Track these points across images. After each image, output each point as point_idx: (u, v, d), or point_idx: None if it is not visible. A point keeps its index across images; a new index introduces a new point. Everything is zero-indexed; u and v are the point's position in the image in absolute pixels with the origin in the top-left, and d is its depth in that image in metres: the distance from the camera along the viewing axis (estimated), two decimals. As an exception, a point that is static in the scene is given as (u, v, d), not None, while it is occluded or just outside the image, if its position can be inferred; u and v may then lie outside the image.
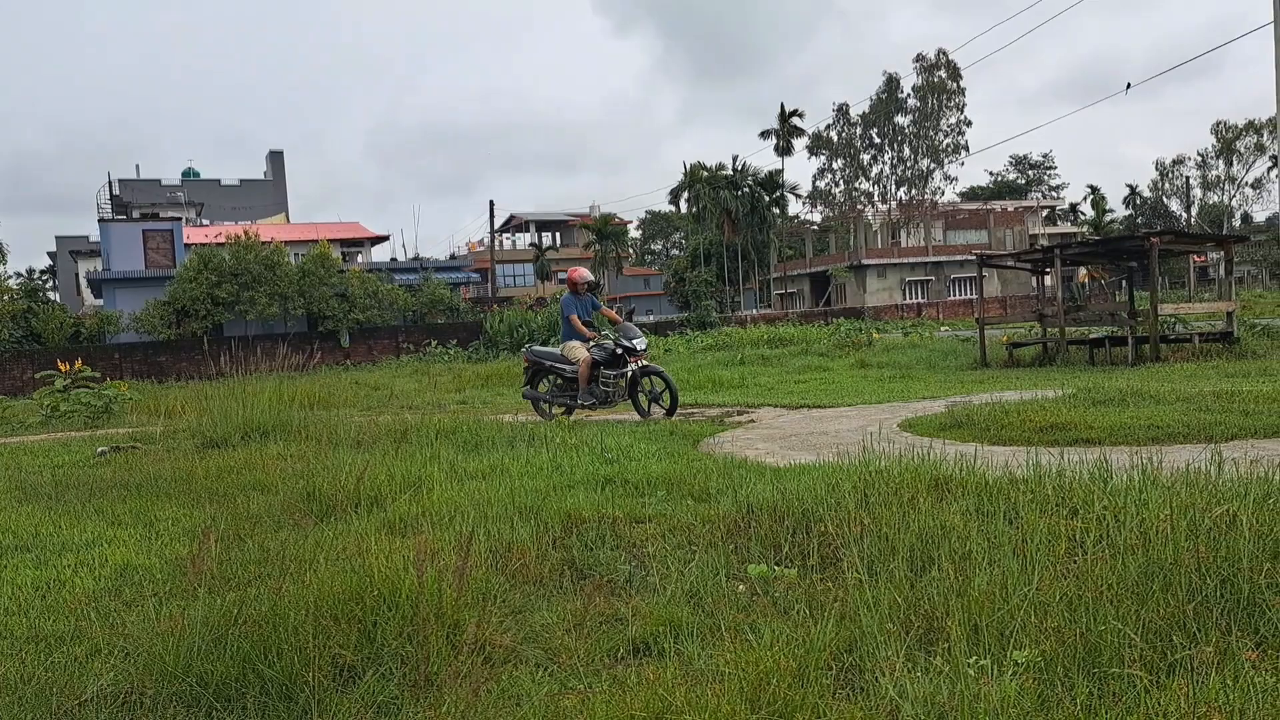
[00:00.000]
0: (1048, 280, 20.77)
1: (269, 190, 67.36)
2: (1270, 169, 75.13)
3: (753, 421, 10.09)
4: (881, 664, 2.66)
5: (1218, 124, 79.91)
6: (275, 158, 69.36)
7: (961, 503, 4.22)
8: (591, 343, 11.32)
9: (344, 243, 55.38)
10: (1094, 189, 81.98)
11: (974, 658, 2.64)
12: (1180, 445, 6.50)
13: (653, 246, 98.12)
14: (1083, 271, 48.75)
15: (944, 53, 61.69)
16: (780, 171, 64.73)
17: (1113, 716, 2.18)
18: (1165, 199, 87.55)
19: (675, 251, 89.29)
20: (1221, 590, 2.88)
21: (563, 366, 11.41)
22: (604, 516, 4.67)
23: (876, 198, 64.79)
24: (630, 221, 78.20)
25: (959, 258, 60.75)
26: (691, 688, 2.60)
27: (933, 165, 62.89)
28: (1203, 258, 60.83)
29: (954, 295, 62.54)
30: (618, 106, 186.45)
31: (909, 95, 62.93)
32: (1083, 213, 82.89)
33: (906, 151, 63.19)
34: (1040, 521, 3.71)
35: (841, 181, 64.86)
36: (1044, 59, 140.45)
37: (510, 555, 4.09)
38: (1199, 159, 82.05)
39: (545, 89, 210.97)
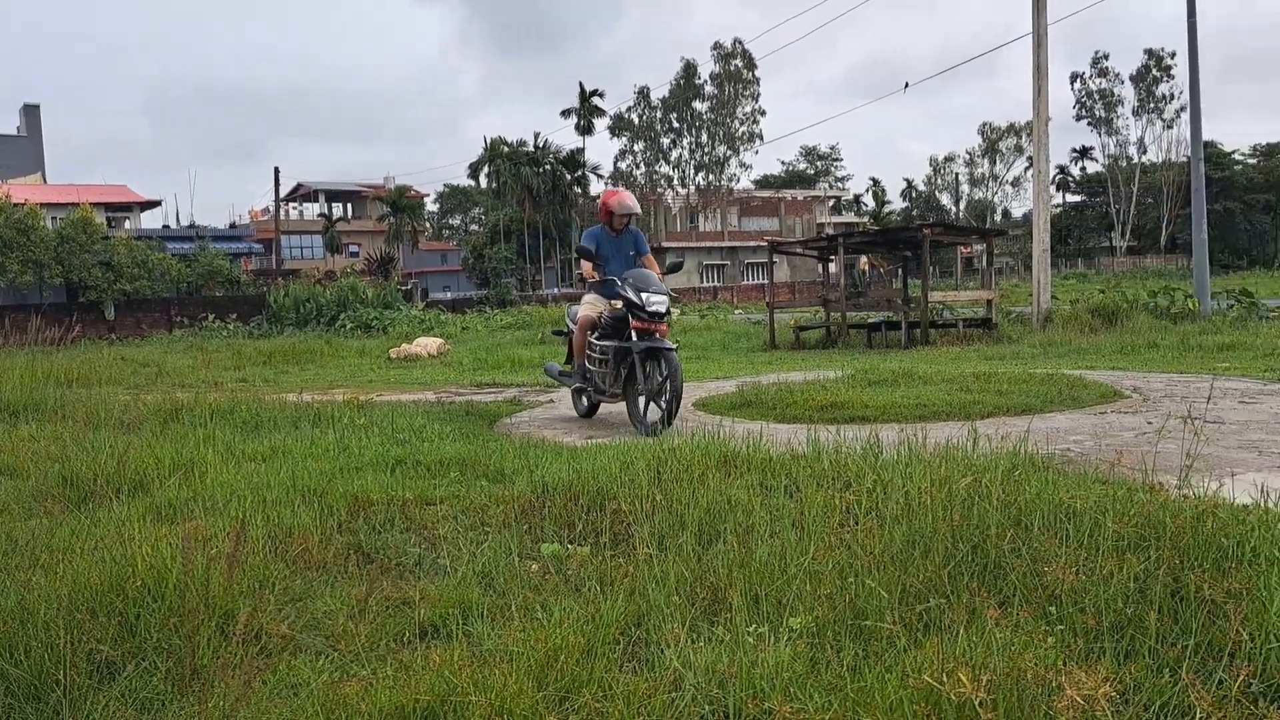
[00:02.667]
0: (832, 267, 21.92)
1: (23, 147, 60.96)
2: (1027, 169, 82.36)
3: (551, 402, 10.10)
4: (667, 636, 2.73)
5: (984, 125, 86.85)
6: (30, 111, 62.88)
7: (747, 478, 4.39)
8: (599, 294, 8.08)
9: (110, 207, 51.10)
10: (875, 181, 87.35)
11: (754, 626, 2.75)
12: (943, 422, 7.01)
13: (451, 221, 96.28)
14: (864, 260, 51.83)
15: (740, 42, 63.74)
16: (582, 150, 65.03)
17: (875, 673, 2.33)
18: (938, 193, 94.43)
19: (475, 227, 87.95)
20: (973, 555, 3.13)
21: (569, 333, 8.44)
22: (393, 499, 4.55)
23: (676, 182, 66.27)
24: (427, 195, 76.36)
25: (753, 243, 63.19)
26: (479, 669, 2.57)
27: (729, 152, 64.96)
28: (969, 249, 66.04)
29: (748, 280, 64.97)
30: (418, 76, 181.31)
31: (706, 82, 64.62)
32: (865, 204, 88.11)
33: (705, 137, 64.96)
34: (818, 495, 3.90)
35: (643, 164, 65.92)
36: (836, 54, 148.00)
37: (291, 540, 3.90)
38: (968, 157, 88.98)
39: (342, 53, 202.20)
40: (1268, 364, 10.13)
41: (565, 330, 8.48)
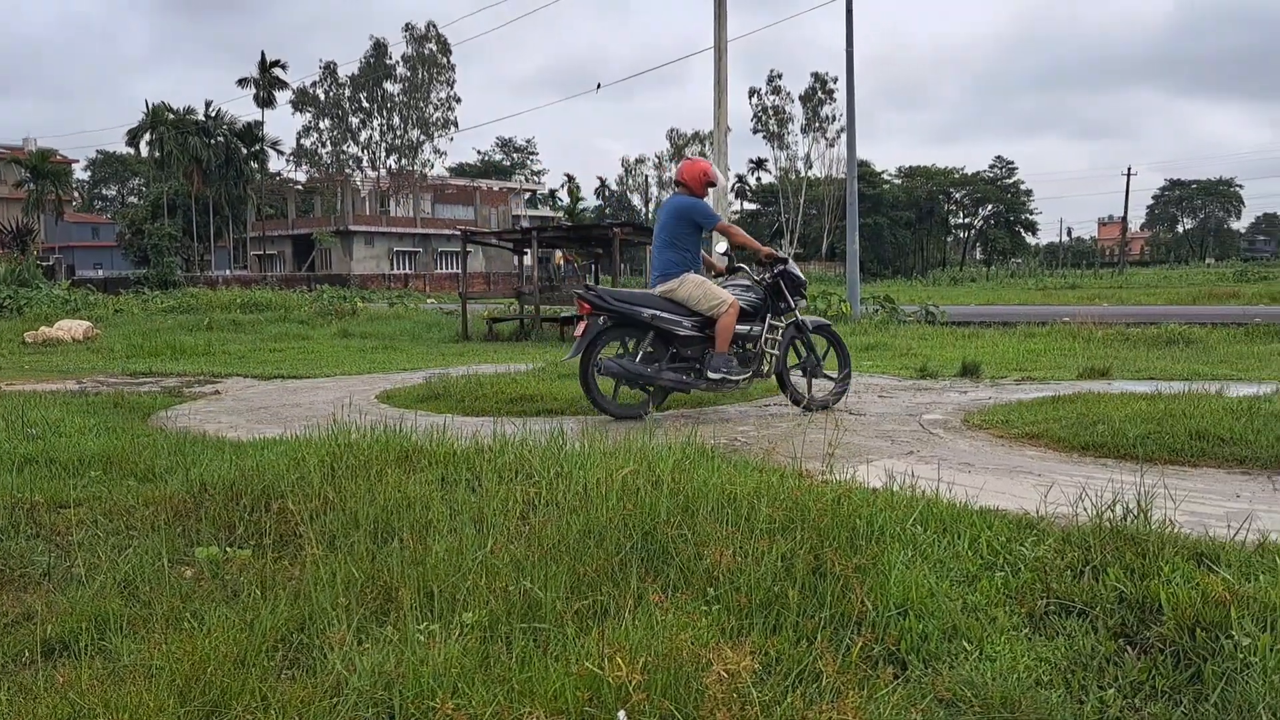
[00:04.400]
0: (527, 260, 22.12)
1: None
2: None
3: (217, 393, 9.38)
4: (332, 640, 2.60)
5: (671, 131, 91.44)
6: None
7: (429, 473, 4.30)
8: (726, 279, 7.52)
9: None
10: (570, 178, 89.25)
11: (425, 624, 2.69)
12: (625, 414, 7.27)
13: (105, 192, 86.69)
14: (559, 254, 52.81)
15: (434, 25, 62.55)
16: (261, 124, 60.93)
17: (543, 663, 2.36)
18: (630, 193, 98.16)
19: (134, 200, 79.72)
20: (644, 542, 3.26)
21: (674, 319, 7.16)
22: (19, 502, 4.00)
23: (366, 163, 63.92)
24: (77, 161, 68.24)
25: (447, 232, 62.34)
26: (112, 687, 2.32)
27: (423, 137, 63.62)
28: (655, 249, 69.00)
29: (441, 268, 64.03)
30: (69, 25, 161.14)
31: (399, 64, 62.87)
32: (561, 199, 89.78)
33: (397, 120, 63.14)
34: (499, 488, 3.90)
35: (329, 143, 62.93)
36: (535, 49, 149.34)
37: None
38: (657, 160, 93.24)
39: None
40: (904, 362, 11.44)
41: (589, 315, 7.16)
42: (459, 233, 20.63)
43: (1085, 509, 3.60)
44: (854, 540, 3.30)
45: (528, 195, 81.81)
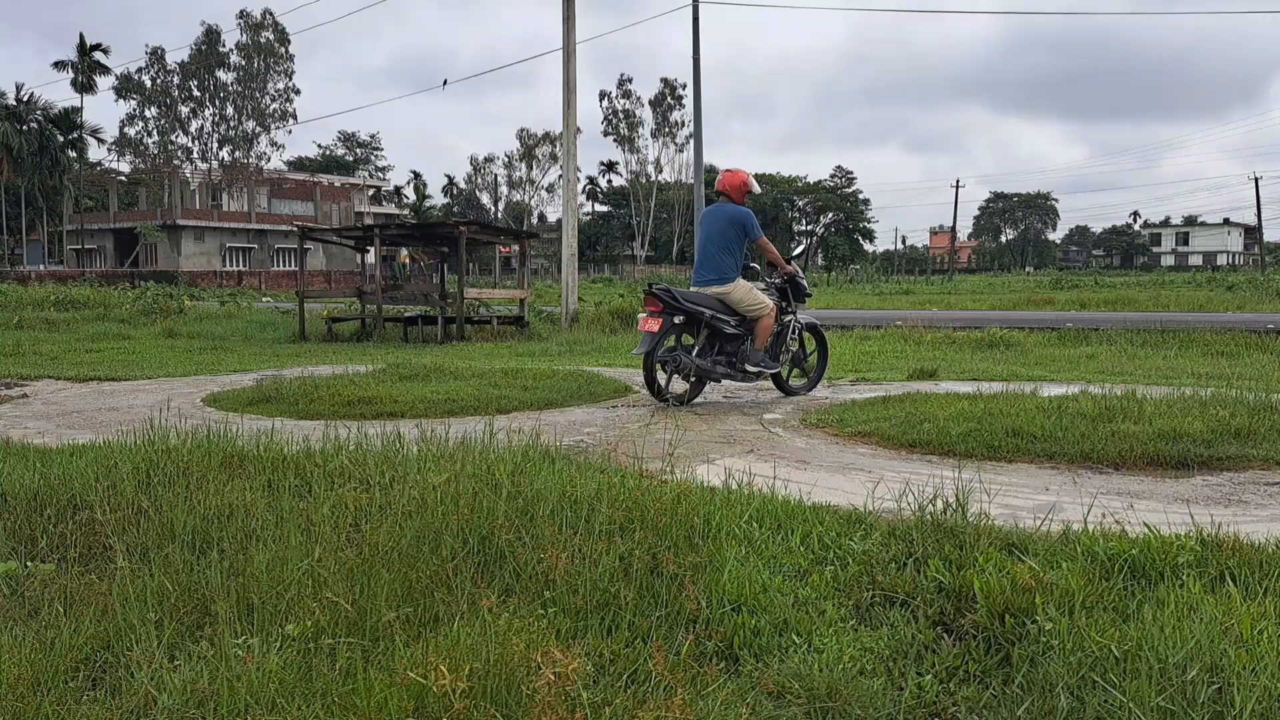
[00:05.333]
0: (370, 258, 21.50)
1: None
2: (560, 177, 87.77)
3: (25, 396, 8.70)
4: (140, 657, 2.44)
5: (521, 131, 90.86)
6: None
7: (254, 480, 4.10)
8: (761, 283, 8.38)
9: None
10: (416, 175, 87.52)
11: (244, 638, 2.56)
12: (471, 417, 7.17)
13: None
14: (404, 252, 51.58)
15: (270, 14, 60.08)
16: (79, 110, 57.03)
17: (367, 675, 2.28)
18: (478, 192, 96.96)
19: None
20: (481, 546, 3.20)
21: (725, 319, 7.94)
22: None
23: (196, 155, 60.72)
24: None
25: (284, 228, 59.92)
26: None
27: (258, 129, 60.96)
28: (507, 249, 68.61)
29: (278, 266, 61.53)
30: None
31: (233, 51, 60.05)
32: (406, 196, 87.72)
33: (230, 110, 60.27)
34: (330, 494, 3.76)
35: (156, 132, 59.48)
36: (380, 42, 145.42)
37: None
38: (507, 160, 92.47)
39: None
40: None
41: (656, 312, 7.88)
42: (296, 229, 19.86)
43: (909, 504, 3.76)
44: (691, 539, 3.34)
45: (372, 192, 79.63)
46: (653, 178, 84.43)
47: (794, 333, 8.44)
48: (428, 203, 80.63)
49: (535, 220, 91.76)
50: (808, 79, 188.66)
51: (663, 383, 8.02)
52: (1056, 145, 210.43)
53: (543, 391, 8.52)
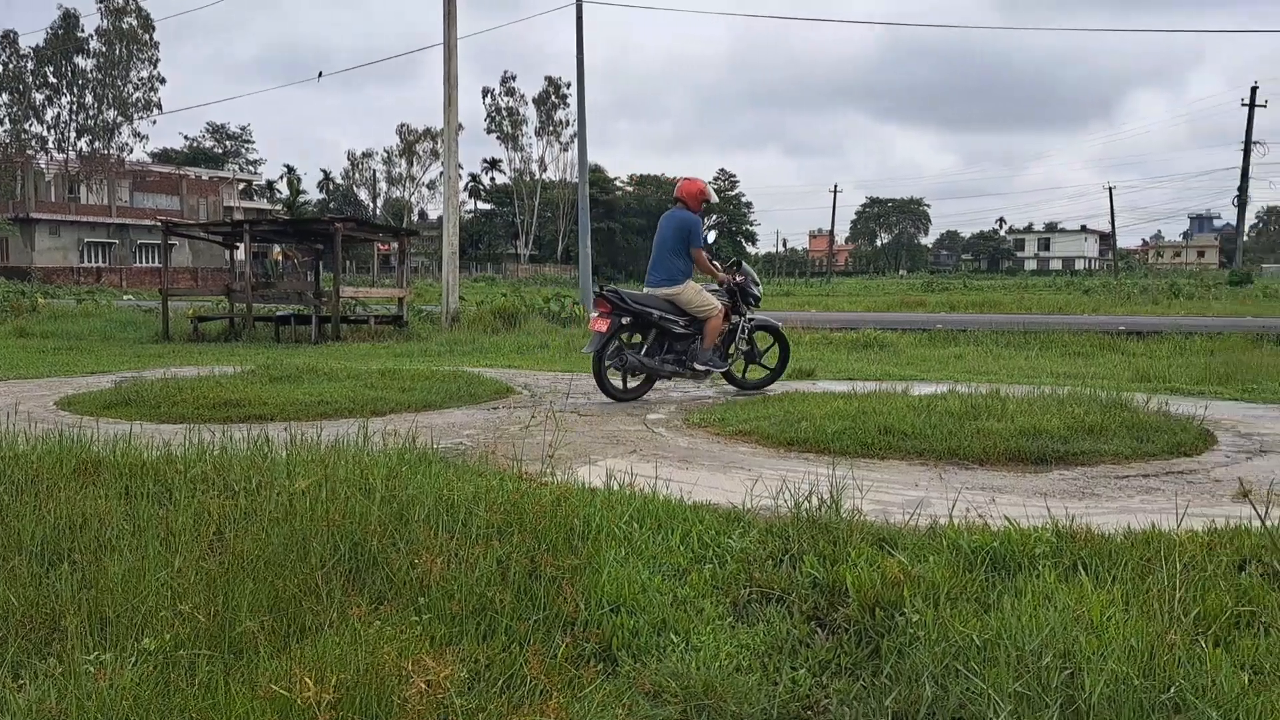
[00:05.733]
0: (239, 255, 20.70)
1: None
2: (442, 173, 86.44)
3: None
4: (-23, 681, 2.28)
5: (402, 126, 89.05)
6: None
7: (110, 487, 3.89)
8: (707, 285, 8.67)
9: None
10: (290, 169, 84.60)
11: (96, 653, 2.42)
12: (345, 419, 6.97)
13: None
14: (277, 249, 49.91)
15: (133, -1, 57.28)
16: (-80, 94, 53.24)
17: (228, 689, 2.18)
18: (356, 188, 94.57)
19: None
20: (353, 553, 3.11)
21: (674, 319, 8.35)
22: None
23: (52, 145, 57.35)
24: None
25: (147, 222, 57.12)
26: None
27: (120, 118, 57.99)
28: (386, 247, 67.15)
29: (141, 262, 58.68)
30: None
31: (92, 37, 56.99)
32: (280, 191, 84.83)
33: (90, 99, 57.16)
34: (192, 501, 3.60)
35: (8, 120, 55.97)
36: (252, 32, 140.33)
37: None
38: (386, 155, 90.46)
39: None
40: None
41: (607, 313, 8.26)
42: (160, 224, 18.98)
43: (786, 502, 3.83)
44: (571, 541, 3.32)
45: (243, 186, 76.76)
46: (537, 176, 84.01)
47: (744, 333, 8.76)
48: (303, 198, 78.00)
49: (416, 218, 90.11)
50: (693, 82, 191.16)
51: (611, 380, 8.43)
52: (930, 153, 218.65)
53: (421, 393, 8.35)
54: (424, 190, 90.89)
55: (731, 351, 8.76)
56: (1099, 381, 8.92)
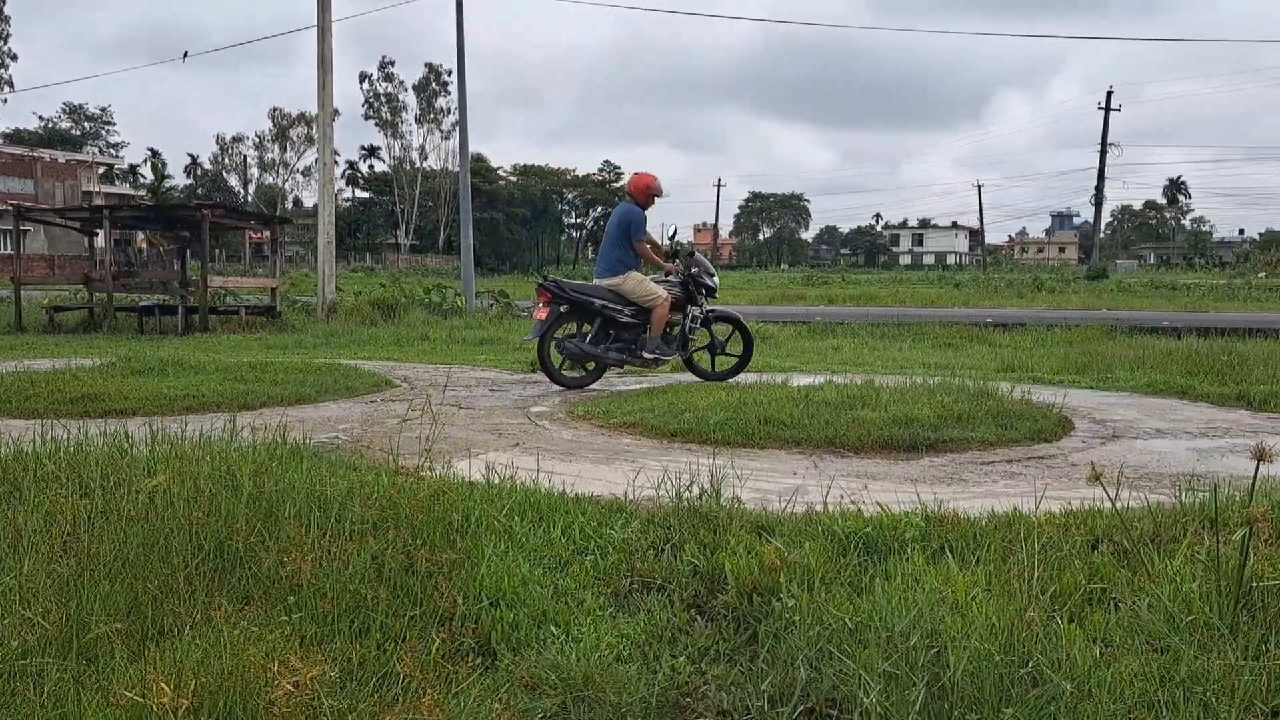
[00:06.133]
0: (99, 242, 19.65)
1: None
2: (316, 160, 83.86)
3: None
4: None
5: (274, 110, 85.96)
6: None
7: (-51, 487, 3.63)
8: (664, 276, 8.80)
9: None
10: (155, 153, 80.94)
11: (-71, 668, 2.25)
12: (213, 413, 6.69)
13: None
14: (141, 237, 47.58)
15: (-15, -31, 53.68)
16: None
17: (78, 697, 2.06)
18: (226, 174, 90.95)
19: None
20: (218, 552, 2.98)
21: (618, 308, 8.52)
22: None
23: (-112, 121, 53.30)
24: None
25: (-1, 207, 53.59)
26: None
27: (-33, 96, 54.26)
28: (259, 235, 64.81)
29: (-9, 249, 55.01)
30: None
31: (-64, 8, 53.18)
32: (143, 176, 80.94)
33: (-68, 73, 53.28)
34: (43, 501, 3.39)
35: None
36: (114, 8, 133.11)
37: None
38: (258, 140, 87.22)
39: None
40: (516, 356, 11.64)
41: (548, 302, 8.48)
42: (11, 208, 17.84)
43: (668, 491, 3.86)
44: (449, 535, 3.26)
45: (103, 170, 72.79)
46: (418, 164, 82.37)
47: (695, 321, 8.78)
48: (168, 183, 74.59)
49: (290, 205, 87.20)
50: (578, 73, 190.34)
51: (567, 371, 8.68)
52: (810, 149, 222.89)
53: (294, 386, 8.08)
54: (298, 177, 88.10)
55: (693, 343, 8.81)
56: (968, 371, 9.30)
